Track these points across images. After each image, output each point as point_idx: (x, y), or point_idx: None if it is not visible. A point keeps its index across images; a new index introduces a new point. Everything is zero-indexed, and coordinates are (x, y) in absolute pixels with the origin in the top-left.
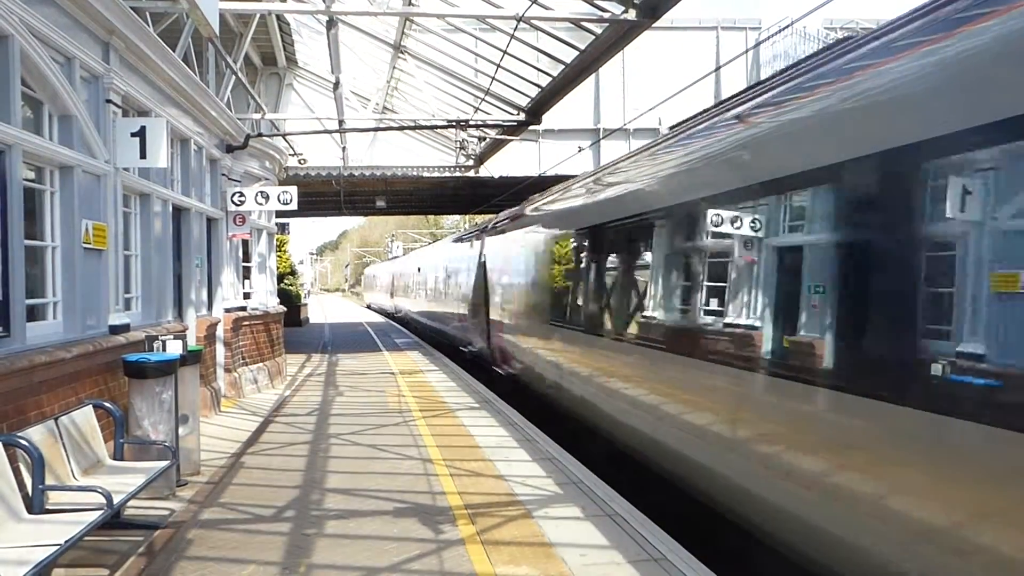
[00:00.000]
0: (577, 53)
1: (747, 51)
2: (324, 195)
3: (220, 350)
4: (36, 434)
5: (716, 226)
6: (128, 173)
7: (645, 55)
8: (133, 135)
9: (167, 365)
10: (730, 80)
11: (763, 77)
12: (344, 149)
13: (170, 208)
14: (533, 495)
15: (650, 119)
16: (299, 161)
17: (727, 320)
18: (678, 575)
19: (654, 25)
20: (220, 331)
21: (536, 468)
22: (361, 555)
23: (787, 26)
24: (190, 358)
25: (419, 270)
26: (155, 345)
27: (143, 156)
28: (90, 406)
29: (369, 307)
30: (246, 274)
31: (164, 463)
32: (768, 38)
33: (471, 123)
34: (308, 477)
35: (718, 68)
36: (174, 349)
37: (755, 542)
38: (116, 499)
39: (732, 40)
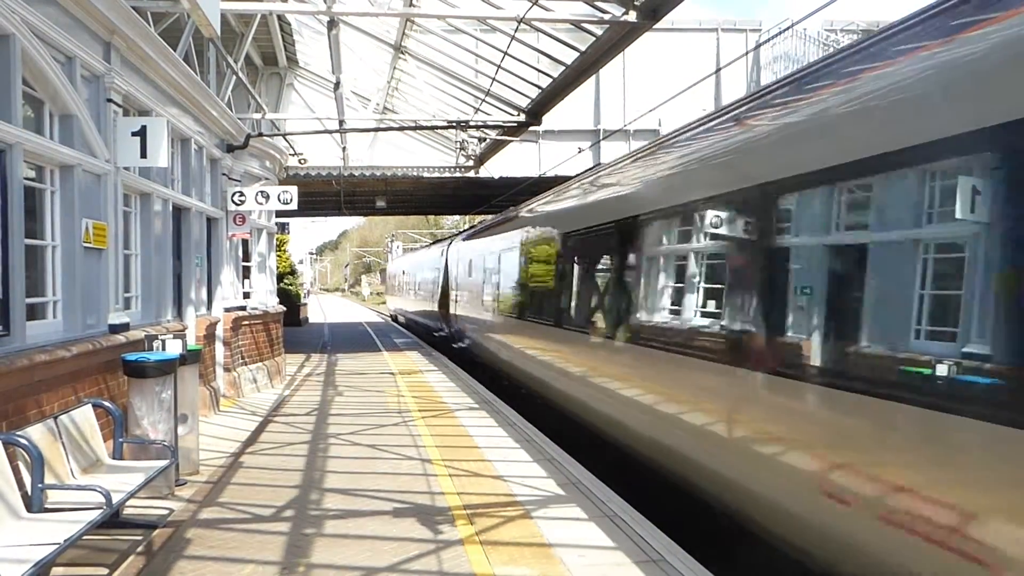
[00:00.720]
0: (578, 54)
1: (747, 53)
2: (324, 195)
3: (220, 349)
4: (35, 433)
5: None
6: (128, 172)
7: (645, 57)
8: (134, 134)
9: (167, 364)
10: (730, 82)
11: (763, 79)
12: (344, 149)
13: (170, 207)
14: (532, 495)
15: (650, 120)
16: (299, 161)
17: None
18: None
19: (654, 27)
20: (220, 330)
21: (535, 469)
22: (360, 555)
23: (787, 28)
24: (189, 357)
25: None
26: (155, 344)
27: (143, 155)
28: (89, 405)
29: (395, 319)
30: (246, 274)
31: (163, 462)
32: (768, 40)
33: (471, 124)
34: (307, 477)
35: (718, 70)
36: (173, 348)
37: (755, 543)
38: (115, 498)
39: (733, 42)
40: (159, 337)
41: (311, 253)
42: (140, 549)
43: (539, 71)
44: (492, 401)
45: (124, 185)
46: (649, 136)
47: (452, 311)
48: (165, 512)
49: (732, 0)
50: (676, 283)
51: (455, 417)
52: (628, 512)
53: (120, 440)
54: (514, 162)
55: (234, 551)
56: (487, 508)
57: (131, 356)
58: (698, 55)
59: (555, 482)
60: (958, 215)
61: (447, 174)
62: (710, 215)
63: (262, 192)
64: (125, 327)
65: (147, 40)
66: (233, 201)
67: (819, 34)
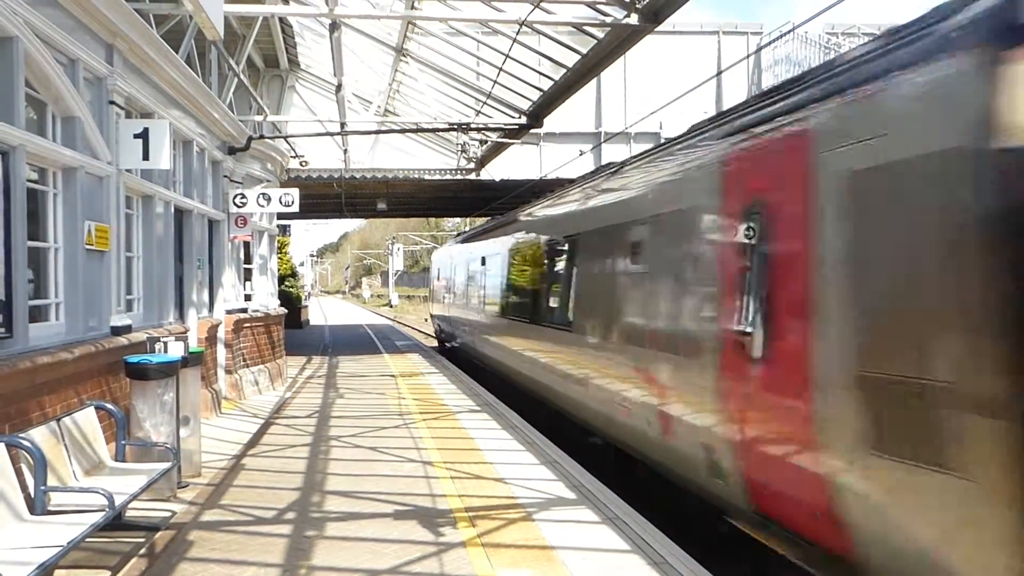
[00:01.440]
0: (579, 57)
1: (748, 56)
2: (325, 197)
3: (221, 351)
4: (38, 435)
5: None
6: (131, 174)
7: (647, 60)
8: (136, 137)
9: (169, 367)
10: (732, 85)
11: (764, 82)
12: (346, 151)
13: (172, 209)
14: (534, 498)
15: (651, 123)
16: (301, 163)
17: None
18: None
19: (656, 30)
20: (221, 333)
21: (537, 471)
22: (361, 557)
23: (789, 31)
24: (191, 359)
25: None
26: (157, 346)
27: (146, 158)
28: (92, 407)
29: (445, 344)
30: (247, 276)
31: (165, 465)
32: (770, 43)
33: (472, 126)
34: (308, 479)
35: (719, 73)
36: (176, 351)
37: (758, 547)
38: (118, 500)
39: (734, 45)
40: (161, 339)
41: (312, 255)
42: (142, 551)
43: (540, 74)
44: (494, 404)
45: (126, 187)
46: (651, 139)
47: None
48: (167, 514)
49: (734, 3)
50: None
51: (456, 419)
52: (631, 515)
53: (122, 442)
54: (515, 164)
55: (236, 553)
56: (489, 511)
57: (133, 358)
58: (700, 58)
59: (558, 485)
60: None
61: (448, 176)
62: None
63: (263, 194)
64: (127, 329)
65: (150, 43)
66: (235, 203)
67: (820, 37)
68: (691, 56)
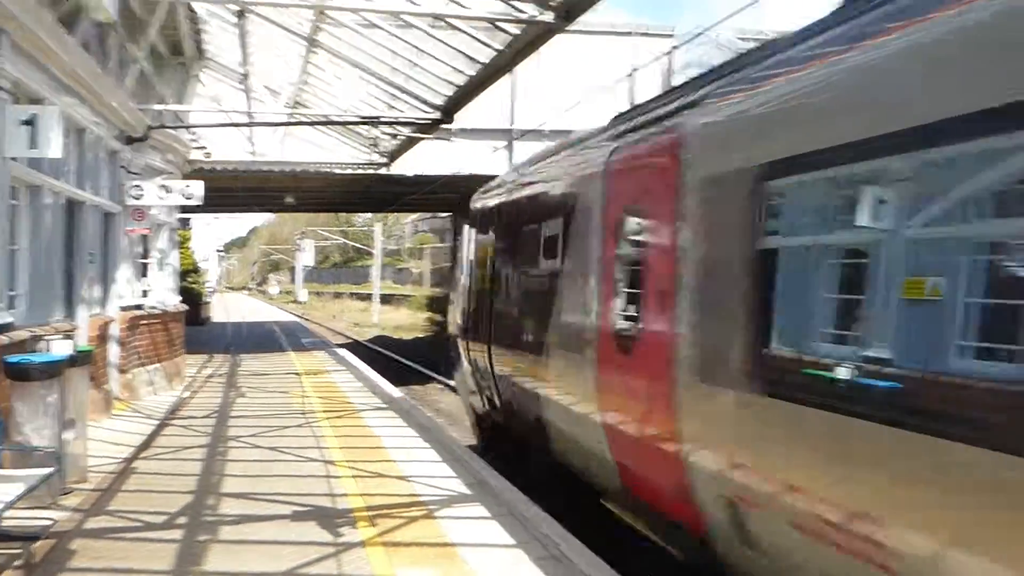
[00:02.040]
0: (494, 53)
1: (659, 58)
2: (231, 191)
3: (114, 350)
4: None
5: None
6: (16, 163)
7: (562, 59)
8: (23, 123)
9: (52, 367)
10: (644, 86)
11: (674, 83)
12: (253, 143)
13: (63, 201)
14: (437, 495)
15: (564, 121)
16: (204, 155)
17: None
18: (579, 573)
19: (571, 29)
20: (115, 330)
21: (442, 468)
22: (257, 561)
23: (699, 34)
24: (80, 358)
25: None
26: (40, 345)
27: (33, 146)
28: None
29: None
30: (145, 271)
31: (46, 470)
32: (680, 45)
33: (382, 120)
34: (203, 482)
35: (632, 72)
36: (61, 349)
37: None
38: None
39: (649, 47)
40: (45, 337)
41: (219, 251)
42: (18, 563)
43: (454, 68)
44: (399, 400)
45: (12, 177)
46: (563, 138)
47: None
48: (48, 523)
49: (649, 5)
50: None
51: (361, 418)
52: (530, 509)
53: None
54: (427, 160)
55: (121, 561)
56: (390, 509)
57: (13, 358)
58: (613, 58)
59: (461, 481)
60: None
61: (360, 171)
62: None
63: (163, 186)
64: (8, 327)
65: (42, 26)
66: (131, 195)
67: (730, 41)
68: (605, 56)
